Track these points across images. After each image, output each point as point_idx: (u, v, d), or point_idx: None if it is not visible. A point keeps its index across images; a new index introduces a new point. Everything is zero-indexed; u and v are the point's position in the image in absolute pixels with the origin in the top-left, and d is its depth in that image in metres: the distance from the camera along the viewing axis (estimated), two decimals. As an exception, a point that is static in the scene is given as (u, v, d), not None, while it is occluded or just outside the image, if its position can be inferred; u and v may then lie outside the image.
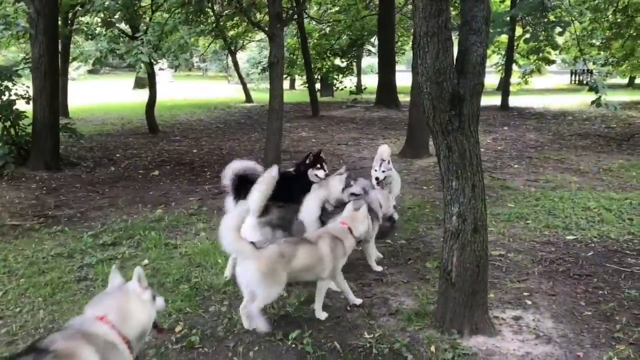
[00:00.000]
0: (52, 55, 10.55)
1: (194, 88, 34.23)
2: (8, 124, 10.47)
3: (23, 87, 10.82)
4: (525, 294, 4.87)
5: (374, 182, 6.53)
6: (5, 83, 10.32)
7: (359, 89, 27.22)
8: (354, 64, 28.74)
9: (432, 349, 3.93)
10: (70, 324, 2.83)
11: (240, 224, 4.11)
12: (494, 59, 30.86)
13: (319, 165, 6.20)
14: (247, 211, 4.34)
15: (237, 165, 5.87)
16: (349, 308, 4.65)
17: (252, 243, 4.15)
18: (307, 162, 6.25)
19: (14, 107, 10.52)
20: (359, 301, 4.69)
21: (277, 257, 4.14)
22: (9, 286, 5.20)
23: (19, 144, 10.66)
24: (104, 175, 10.45)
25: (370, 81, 29.07)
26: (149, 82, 16.37)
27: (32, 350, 2.57)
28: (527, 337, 4.11)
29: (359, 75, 30.68)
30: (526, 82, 28.62)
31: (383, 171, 6.52)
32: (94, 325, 2.76)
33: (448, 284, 4.15)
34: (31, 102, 10.62)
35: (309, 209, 5.08)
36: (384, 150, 7.47)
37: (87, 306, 2.96)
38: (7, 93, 10.37)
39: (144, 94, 20.54)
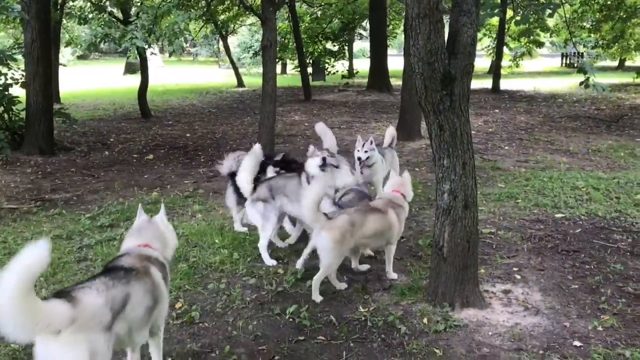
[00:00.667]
0: (44, 40, 10.53)
1: (184, 73, 34.08)
2: (1, 109, 10.48)
3: (19, 71, 10.81)
4: (515, 269, 5.03)
5: (357, 162, 6.62)
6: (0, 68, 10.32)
7: (351, 73, 27.20)
8: (346, 47, 28.68)
9: (425, 321, 4.08)
10: (127, 250, 3.30)
11: (320, 198, 4.48)
12: (485, 42, 30.91)
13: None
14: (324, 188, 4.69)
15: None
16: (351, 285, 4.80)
17: (325, 214, 4.51)
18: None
19: (7, 92, 10.53)
20: (393, 275, 4.92)
21: (348, 226, 4.47)
22: (10, 267, 5.28)
23: (13, 129, 10.68)
24: (98, 159, 10.51)
25: (362, 65, 29.09)
26: (141, 67, 16.34)
27: (119, 268, 3.04)
28: (516, 309, 4.27)
29: (350, 59, 30.64)
30: (517, 65, 28.74)
31: (365, 151, 6.58)
32: (147, 251, 3.31)
33: (440, 259, 4.29)
34: (25, 87, 10.62)
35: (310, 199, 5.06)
36: (390, 132, 7.59)
37: (128, 238, 3.47)
38: (2, 78, 10.36)
39: (134, 79, 20.51)
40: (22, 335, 2.43)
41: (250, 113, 16.59)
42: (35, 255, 2.37)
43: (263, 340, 3.93)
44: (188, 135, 13.16)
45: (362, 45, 41.17)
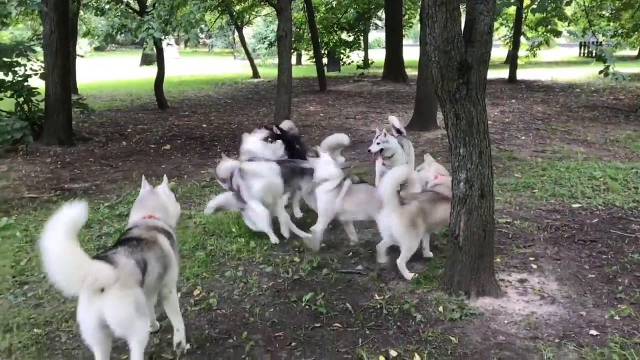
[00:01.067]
0: (62, 32, 10.63)
1: (200, 64, 34.19)
2: (22, 99, 10.62)
3: (37, 62, 10.94)
4: (531, 258, 5.02)
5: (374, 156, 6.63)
6: (19, 59, 10.44)
7: (366, 63, 27.09)
8: (361, 38, 28.56)
9: (440, 309, 4.10)
10: (134, 223, 3.57)
11: (399, 182, 4.72)
12: (502, 32, 30.58)
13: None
14: (406, 172, 4.88)
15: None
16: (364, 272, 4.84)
17: (400, 198, 4.66)
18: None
19: (26, 83, 10.66)
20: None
21: (418, 212, 4.64)
22: (32, 254, 5.40)
23: (32, 119, 10.82)
24: (116, 149, 10.62)
25: (377, 55, 28.96)
26: (157, 58, 16.44)
27: (131, 239, 3.33)
28: (532, 298, 4.27)
29: (366, 49, 30.50)
30: (534, 55, 28.37)
31: (378, 143, 6.57)
32: (152, 222, 3.56)
33: (456, 248, 4.30)
34: (44, 78, 10.75)
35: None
36: (392, 120, 7.55)
37: (133, 211, 3.72)
38: (22, 69, 10.50)
39: (151, 71, 20.63)
40: (71, 286, 2.79)
41: (265, 104, 16.62)
42: (74, 210, 2.76)
43: (279, 326, 3.97)
44: (204, 125, 13.24)
45: (377, 35, 40.94)
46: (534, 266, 4.85)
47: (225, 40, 43.85)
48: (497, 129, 11.56)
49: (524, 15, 21.62)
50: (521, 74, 21.95)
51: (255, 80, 24.66)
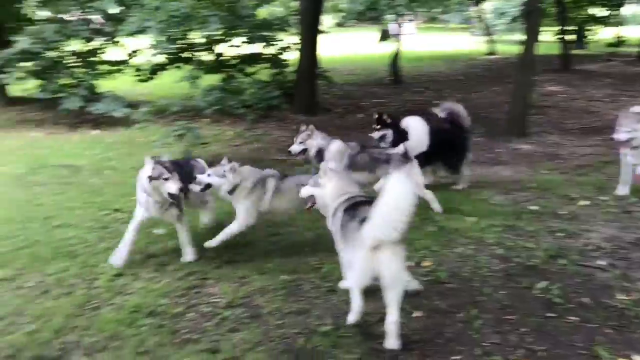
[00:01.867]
0: (315, 8, 11.52)
1: (435, 40, 34.01)
2: (277, 70, 11.78)
3: (288, 37, 12.01)
4: None
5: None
6: (275, 34, 11.56)
7: (619, 40, 24.28)
8: (615, 12, 25.60)
9: (699, 321, 3.66)
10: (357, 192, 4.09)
11: None
12: None
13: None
14: None
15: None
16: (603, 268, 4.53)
17: None
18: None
19: (280, 56, 11.76)
20: None
21: None
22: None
23: (284, 89, 11.93)
24: (353, 121, 11.25)
25: (634, 33, 25.80)
26: (395, 34, 16.79)
27: (367, 202, 3.77)
28: None
29: (619, 25, 27.31)
30: None
31: (628, 131, 5.92)
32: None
33: None
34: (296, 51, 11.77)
35: None
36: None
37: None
38: (279, 43, 11.63)
39: (387, 46, 21.17)
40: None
41: (499, 82, 15.93)
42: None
43: (510, 310, 3.94)
44: (436, 102, 13.23)
45: (635, 9, 36.28)
46: None
47: (461, 16, 42.85)
48: None
49: None
50: None
51: (491, 57, 23.76)
